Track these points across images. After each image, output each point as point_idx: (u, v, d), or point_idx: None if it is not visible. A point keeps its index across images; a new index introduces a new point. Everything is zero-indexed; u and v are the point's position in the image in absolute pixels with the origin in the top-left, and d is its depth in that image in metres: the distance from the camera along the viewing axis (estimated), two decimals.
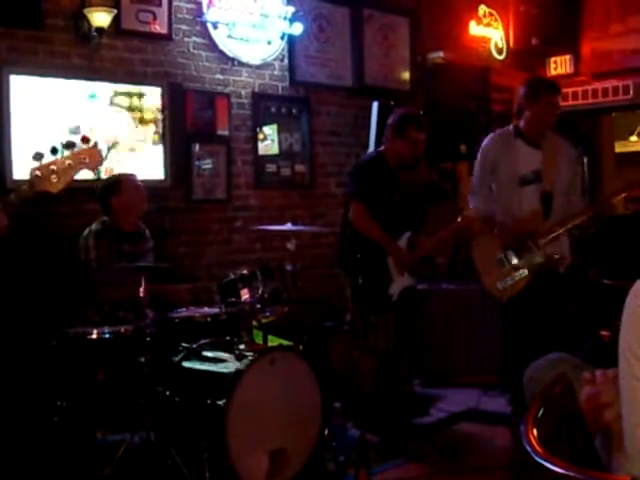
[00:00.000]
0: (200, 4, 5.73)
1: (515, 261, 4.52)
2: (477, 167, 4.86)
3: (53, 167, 3.04)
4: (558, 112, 4.68)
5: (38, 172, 3.02)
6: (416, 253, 4.69)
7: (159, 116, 5.43)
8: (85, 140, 3.18)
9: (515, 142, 4.68)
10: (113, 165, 5.06)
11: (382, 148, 4.82)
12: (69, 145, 3.11)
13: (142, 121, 5.36)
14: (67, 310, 4.30)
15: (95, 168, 3.39)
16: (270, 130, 6.27)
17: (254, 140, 6.14)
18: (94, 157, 3.18)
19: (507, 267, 4.52)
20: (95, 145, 3.24)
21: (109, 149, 5.05)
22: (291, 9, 6.14)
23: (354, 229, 4.61)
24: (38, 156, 3.04)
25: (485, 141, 4.85)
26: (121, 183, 4.52)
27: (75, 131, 4.92)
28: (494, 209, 4.71)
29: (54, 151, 3.08)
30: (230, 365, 3.75)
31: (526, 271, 4.49)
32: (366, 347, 4.64)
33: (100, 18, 5.00)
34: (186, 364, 3.93)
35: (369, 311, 4.61)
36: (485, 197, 4.76)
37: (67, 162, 3.07)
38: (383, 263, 4.58)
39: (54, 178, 3.03)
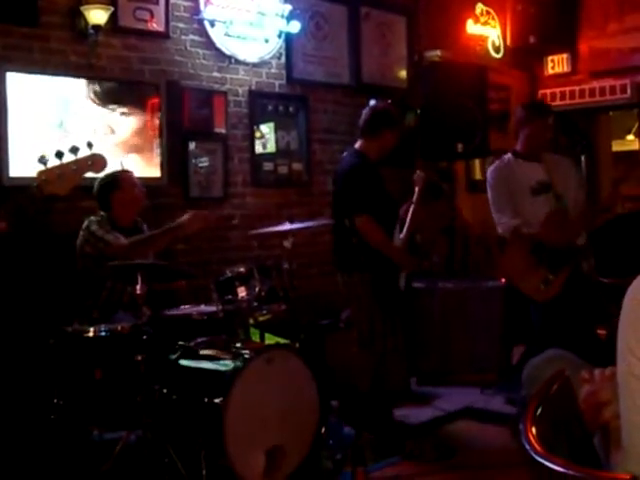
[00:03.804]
0: (197, 2, 5.71)
1: (547, 261, 4.68)
2: (495, 190, 4.97)
3: (59, 171, 3.12)
4: (550, 133, 5.05)
5: (45, 176, 3.09)
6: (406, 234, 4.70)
7: (156, 114, 5.43)
8: (90, 145, 3.24)
9: (516, 162, 4.98)
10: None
11: (359, 147, 4.73)
12: (74, 150, 3.17)
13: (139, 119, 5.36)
14: (65, 307, 4.30)
15: (99, 172, 3.47)
16: (267, 128, 6.27)
17: (251, 138, 6.13)
18: (99, 161, 3.29)
19: (542, 269, 4.64)
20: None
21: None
22: (288, 7, 6.13)
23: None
24: (42, 159, 3.11)
25: (492, 171, 5.07)
26: (121, 179, 4.55)
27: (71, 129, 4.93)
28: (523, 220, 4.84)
29: (59, 155, 3.13)
30: (227, 363, 3.75)
31: (561, 270, 4.66)
32: (368, 345, 4.60)
33: (97, 15, 4.98)
34: (183, 362, 3.92)
35: (384, 308, 4.56)
36: (513, 212, 4.86)
37: (72, 166, 3.15)
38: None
39: (61, 182, 3.10)
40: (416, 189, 4.78)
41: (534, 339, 4.91)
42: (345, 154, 4.81)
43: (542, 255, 4.68)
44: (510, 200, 4.86)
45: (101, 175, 4.61)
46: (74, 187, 3.22)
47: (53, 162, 3.15)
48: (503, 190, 4.90)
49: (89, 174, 3.36)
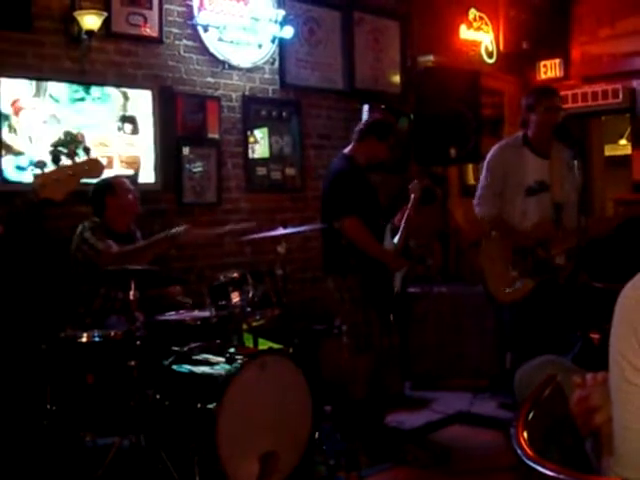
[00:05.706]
0: (191, 7, 5.72)
1: (522, 268, 4.61)
2: (486, 176, 4.87)
3: (56, 176, 3.11)
4: (559, 115, 4.78)
5: (41, 181, 3.08)
6: (400, 240, 4.71)
7: (150, 119, 5.42)
8: (87, 150, 3.24)
9: (523, 151, 4.80)
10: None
11: (349, 151, 4.78)
12: (71, 154, 3.17)
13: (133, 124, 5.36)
14: (58, 312, 4.29)
15: (96, 177, 3.48)
16: (261, 133, 6.27)
17: (244, 143, 6.13)
18: (95, 167, 3.29)
19: (514, 273, 4.60)
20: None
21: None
22: (282, 12, 6.14)
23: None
24: (39, 164, 3.11)
25: (494, 152, 4.92)
26: (116, 184, 4.54)
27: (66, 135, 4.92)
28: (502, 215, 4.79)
29: (56, 160, 3.13)
30: (220, 369, 3.74)
31: (531, 279, 4.60)
32: (366, 347, 4.57)
33: (90, 21, 4.99)
34: (176, 368, 3.92)
35: (377, 308, 4.57)
36: (495, 203, 4.80)
37: (69, 171, 3.14)
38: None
39: (57, 187, 3.10)
40: (412, 197, 4.79)
41: (508, 342, 4.91)
42: (335, 158, 4.85)
43: (522, 259, 4.64)
44: (501, 191, 4.76)
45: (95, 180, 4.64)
46: (70, 192, 3.21)
47: (50, 167, 3.15)
48: (498, 177, 4.77)
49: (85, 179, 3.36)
